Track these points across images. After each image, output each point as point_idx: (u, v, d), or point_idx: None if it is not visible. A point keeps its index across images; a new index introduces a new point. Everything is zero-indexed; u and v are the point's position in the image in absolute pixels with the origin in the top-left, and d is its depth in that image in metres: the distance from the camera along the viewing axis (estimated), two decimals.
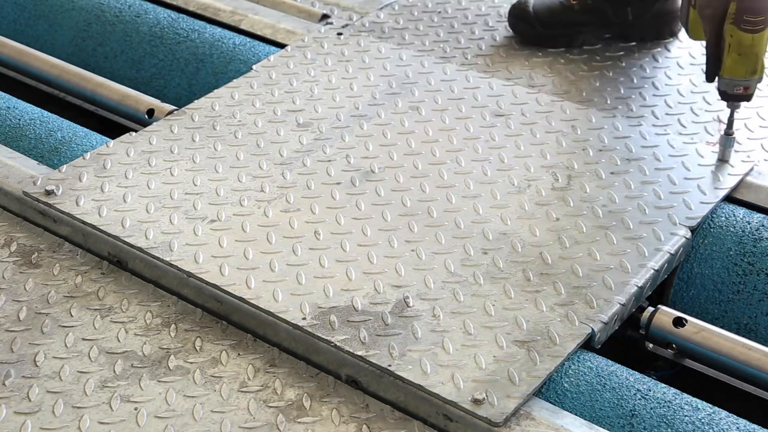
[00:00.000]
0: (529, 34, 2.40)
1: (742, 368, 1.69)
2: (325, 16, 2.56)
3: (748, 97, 1.91)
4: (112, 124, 2.37)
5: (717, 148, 2.01)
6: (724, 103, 2.20)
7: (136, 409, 1.53)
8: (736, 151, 2.04)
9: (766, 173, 2.00)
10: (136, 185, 1.95)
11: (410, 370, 1.55)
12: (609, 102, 2.21)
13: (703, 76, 2.29)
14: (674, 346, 1.74)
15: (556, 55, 2.36)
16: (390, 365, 1.56)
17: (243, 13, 2.60)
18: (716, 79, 1.93)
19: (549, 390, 1.58)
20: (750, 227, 1.88)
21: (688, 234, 1.84)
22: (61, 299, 1.74)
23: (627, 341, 1.79)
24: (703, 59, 2.35)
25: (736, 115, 1.99)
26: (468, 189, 1.93)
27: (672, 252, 1.79)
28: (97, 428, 1.50)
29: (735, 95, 1.91)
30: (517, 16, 2.42)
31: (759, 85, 2.25)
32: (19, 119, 2.23)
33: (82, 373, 1.59)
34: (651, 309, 1.77)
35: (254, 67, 2.33)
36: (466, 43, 2.41)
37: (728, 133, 1.98)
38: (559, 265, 1.75)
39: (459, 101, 2.19)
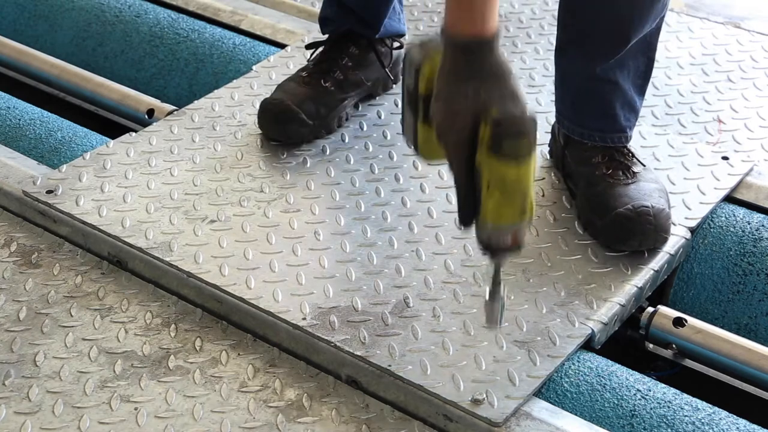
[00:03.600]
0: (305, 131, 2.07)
1: (742, 368, 1.69)
2: None
3: (518, 248, 1.39)
4: (112, 124, 2.37)
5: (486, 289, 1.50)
6: (725, 103, 2.20)
7: (136, 409, 1.53)
8: (736, 151, 2.04)
9: (766, 173, 2.00)
10: (136, 185, 1.95)
11: (410, 370, 1.55)
12: None
13: (704, 75, 2.30)
14: (674, 346, 1.74)
15: None
16: (390, 365, 1.56)
17: (243, 13, 2.59)
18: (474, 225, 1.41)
19: (549, 390, 1.58)
20: (750, 227, 1.88)
21: (688, 235, 1.84)
22: (61, 299, 1.74)
23: (627, 341, 1.79)
24: (704, 59, 2.36)
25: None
26: None
27: (672, 253, 1.79)
28: (97, 428, 1.50)
29: (502, 247, 1.39)
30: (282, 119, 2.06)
31: (758, 84, 2.27)
32: (19, 119, 2.23)
33: (82, 373, 1.59)
34: (651, 309, 1.77)
35: (254, 67, 2.33)
36: None
37: (494, 297, 1.45)
38: (558, 265, 1.75)
39: None
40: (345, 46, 2.13)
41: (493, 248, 1.39)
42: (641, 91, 1.88)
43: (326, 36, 2.16)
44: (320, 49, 2.15)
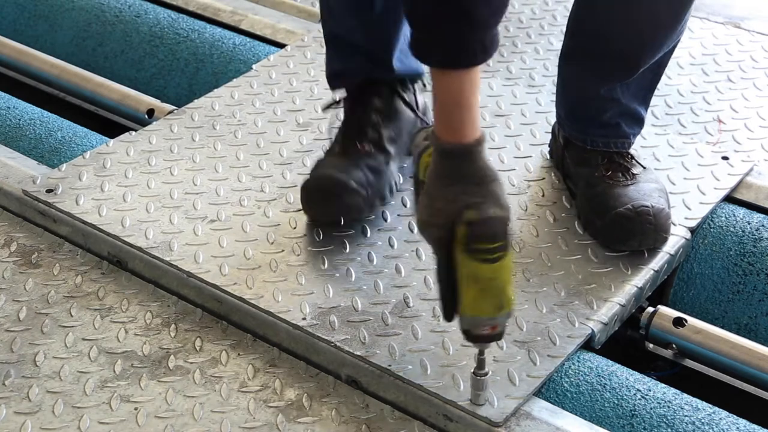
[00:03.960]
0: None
1: (742, 368, 1.69)
2: None
3: (498, 336, 1.43)
4: (112, 124, 2.37)
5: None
6: (725, 103, 2.20)
7: (136, 409, 1.53)
8: (736, 151, 2.04)
9: (766, 173, 2.00)
10: (136, 185, 1.95)
11: (410, 370, 1.55)
12: None
13: (704, 75, 2.30)
14: (674, 346, 1.74)
15: (557, 54, 2.35)
16: (390, 365, 1.56)
17: (243, 13, 2.60)
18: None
19: (549, 390, 1.58)
20: (750, 227, 1.88)
21: (688, 235, 1.84)
22: (61, 299, 1.74)
23: (627, 341, 1.79)
24: (704, 59, 2.36)
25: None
26: None
27: (671, 253, 1.78)
28: (97, 428, 1.50)
29: (482, 337, 1.43)
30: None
31: (758, 84, 2.27)
32: (19, 119, 2.23)
33: (82, 373, 1.59)
34: (651, 309, 1.76)
35: (254, 66, 2.33)
36: None
37: (479, 374, 1.48)
38: (558, 265, 1.75)
39: None
40: (367, 100, 1.91)
41: (473, 337, 1.44)
42: (645, 102, 1.86)
43: (341, 96, 1.96)
44: (340, 110, 1.94)
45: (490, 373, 1.49)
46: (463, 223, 1.37)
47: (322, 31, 1.96)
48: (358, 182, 1.80)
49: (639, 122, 1.86)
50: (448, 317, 1.45)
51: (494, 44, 1.39)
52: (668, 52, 1.80)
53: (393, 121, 1.91)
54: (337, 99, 1.96)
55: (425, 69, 1.93)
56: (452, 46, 1.36)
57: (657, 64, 1.81)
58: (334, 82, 1.96)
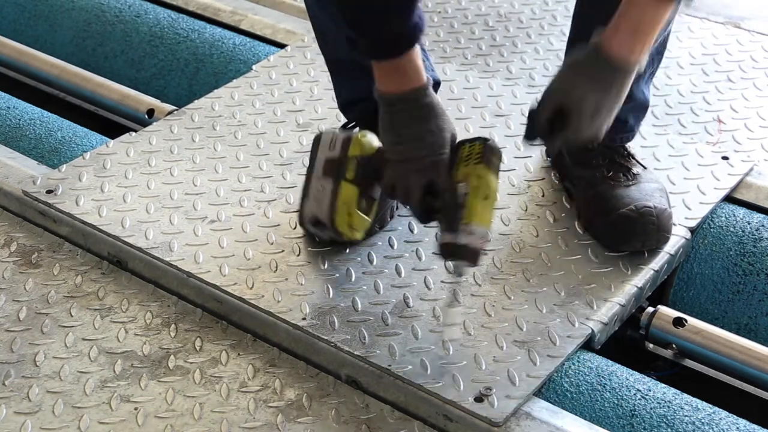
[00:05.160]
0: None
1: (742, 368, 1.70)
2: None
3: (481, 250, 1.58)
4: (112, 124, 2.37)
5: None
6: (725, 103, 2.20)
7: (136, 409, 1.53)
8: (736, 151, 2.04)
9: (766, 173, 2.00)
10: (136, 185, 1.95)
11: (410, 370, 1.55)
12: None
13: (704, 75, 2.30)
14: (674, 346, 1.74)
15: (557, 53, 2.36)
16: (390, 365, 1.56)
17: (243, 13, 2.60)
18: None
19: (549, 390, 1.58)
20: (750, 227, 1.88)
21: (688, 235, 1.84)
22: (61, 299, 1.74)
23: (627, 341, 1.79)
24: (704, 59, 2.36)
25: None
26: None
27: (672, 253, 1.79)
28: (97, 428, 1.50)
29: (477, 250, 1.56)
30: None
31: (758, 84, 2.27)
32: (19, 119, 2.23)
33: (82, 373, 1.59)
34: (651, 309, 1.77)
35: (254, 67, 2.33)
36: (466, 43, 2.41)
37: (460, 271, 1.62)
38: (558, 265, 1.75)
39: (459, 101, 2.19)
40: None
41: (470, 252, 1.56)
42: (648, 84, 1.85)
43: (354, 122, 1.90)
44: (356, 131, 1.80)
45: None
46: (477, 143, 1.60)
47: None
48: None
49: (645, 109, 1.86)
50: (454, 228, 1.55)
51: (421, 24, 1.53)
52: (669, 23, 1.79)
53: None
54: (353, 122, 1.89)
55: (439, 75, 1.95)
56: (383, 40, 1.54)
57: (660, 43, 1.79)
58: (348, 113, 1.92)
